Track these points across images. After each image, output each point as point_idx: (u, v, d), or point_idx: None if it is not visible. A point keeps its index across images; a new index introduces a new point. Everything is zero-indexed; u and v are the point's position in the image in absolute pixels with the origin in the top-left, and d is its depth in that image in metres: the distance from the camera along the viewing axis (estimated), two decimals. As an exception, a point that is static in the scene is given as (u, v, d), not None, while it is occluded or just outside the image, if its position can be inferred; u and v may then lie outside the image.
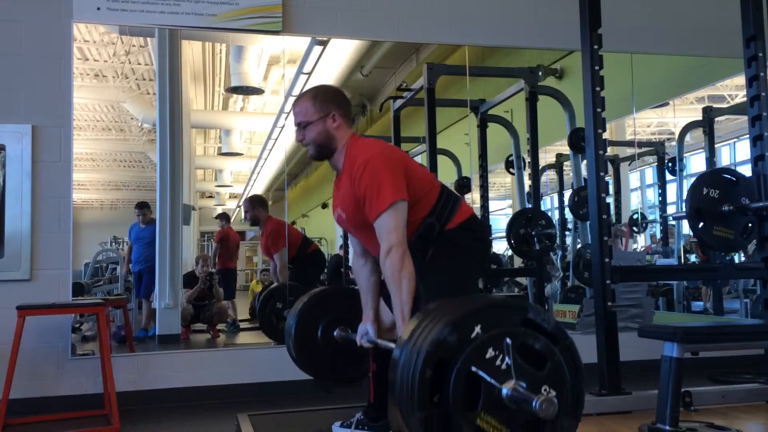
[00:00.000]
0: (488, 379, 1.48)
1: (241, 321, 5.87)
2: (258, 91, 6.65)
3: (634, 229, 5.84)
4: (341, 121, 2.30)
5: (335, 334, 2.72)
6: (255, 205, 5.13)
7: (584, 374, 1.60)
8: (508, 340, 1.50)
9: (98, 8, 3.56)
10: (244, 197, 9.19)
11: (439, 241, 2.29)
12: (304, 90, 2.39)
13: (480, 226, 2.52)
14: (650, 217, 6.81)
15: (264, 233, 5.02)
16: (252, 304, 6.03)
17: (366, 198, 2.16)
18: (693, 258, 5.95)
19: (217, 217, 6.59)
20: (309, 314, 2.78)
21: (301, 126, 2.31)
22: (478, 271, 2.40)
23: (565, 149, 5.61)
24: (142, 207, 5.17)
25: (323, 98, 2.31)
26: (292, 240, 4.84)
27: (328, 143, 2.30)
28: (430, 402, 1.49)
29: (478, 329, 1.52)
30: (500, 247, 6.08)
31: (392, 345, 1.98)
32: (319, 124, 2.28)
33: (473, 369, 1.48)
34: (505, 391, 1.47)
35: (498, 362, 1.50)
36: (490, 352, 1.50)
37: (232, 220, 9.52)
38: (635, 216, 6.06)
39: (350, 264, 2.58)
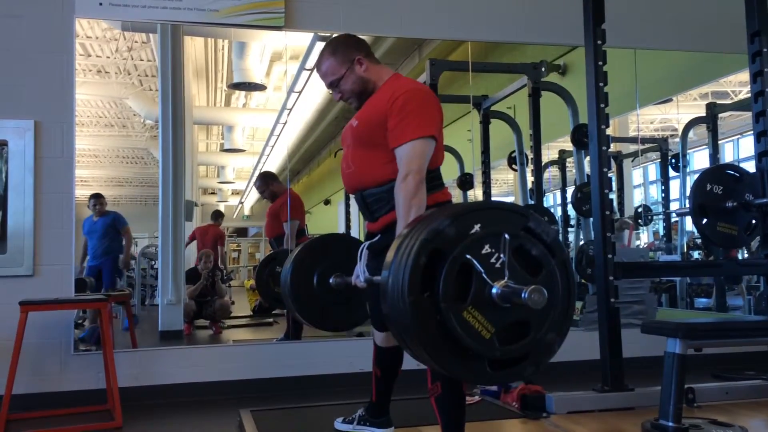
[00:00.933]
0: (481, 271, 1.48)
1: (242, 317, 5.88)
2: (260, 88, 6.64)
3: (639, 222, 5.81)
4: (367, 61, 2.29)
5: (331, 281, 2.69)
6: (268, 181, 5.10)
7: (576, 291, 1.61)
8: (507, 236, 1.51)
9: (100, 4, 3.55)
10: (246, 193, 9.20)
11: None
12: (320, 51, 2.35)
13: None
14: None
15: (279, 200, 4.94)
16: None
17: (403, 119, 2.11)
18: (696, 254, 5.94)
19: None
20: (305, 261, 2.75)
21: (334, 84, 2.31)
22: None
23: (568, 145, 5.60)
24: (97, 198, 5.05)
25: (342, 48, 2.30)
26: (299, 216, 4.79)
27: (366, 87, 2.29)
28: (421, 292, 1.48)
29: (477, 227, 1.53)
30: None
31: None
32: (350, 75, 2.28)
33: (468, 257, 1.48)
34: (495, 288, 1.48)
35: (493, 260, 1.51)
36: (487, 248, 1.51)
37: (234, 216, 9.55)
38: (639, 209, 6.03)
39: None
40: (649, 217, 6.03)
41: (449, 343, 1.49)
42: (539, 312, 1.52)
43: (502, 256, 1.50)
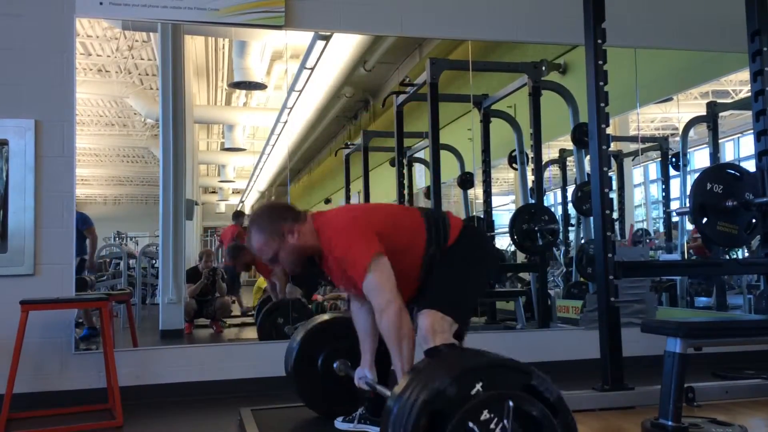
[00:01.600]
0: None
1: (245, 316, 5.88)
2: (261, 87, 6.65)
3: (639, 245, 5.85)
4: (295, 226, 2.27)
5: (335, 366, 2.75)
6: (237, 255, 5.22)
7: None
8: (511, 403, 1.48)
9: (101, 3, 3.55)
10: (247, 192, 9.20)
11: (444, 255, 2.30)
12: (247, 232, 2.35)
13: (474, 231, 2.52)
14: (653, 214, 6.81)
15: (258, 262, 5.00)
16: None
17: (348, 269, 2.19)
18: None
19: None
20: (311, 342, 2.82)
21: (273, 261, 2.30)
22: (484, 271, 2.42)
23: (569, 144, 5.60)
24: None
25: (268, 224, 2.28)
26: None
27: (304, 251, 2.29)
28: None
29: (479, 387, 1.51)
30: (503, 242, 6.07)
31: (389, 393, 1.96)
32: (285, 247, 2.26)
33: (470, 425, 1.45)
34: None
35: (493, 425, 1.47)
36: (487, 414, 1.47)
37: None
38: (638, 233, 6.06)
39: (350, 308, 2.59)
40: (647, 241, 6.05)
41: None
42: None
43: (505, 422, 1.48)
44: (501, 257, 6.07)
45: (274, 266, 2.33)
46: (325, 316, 3.05)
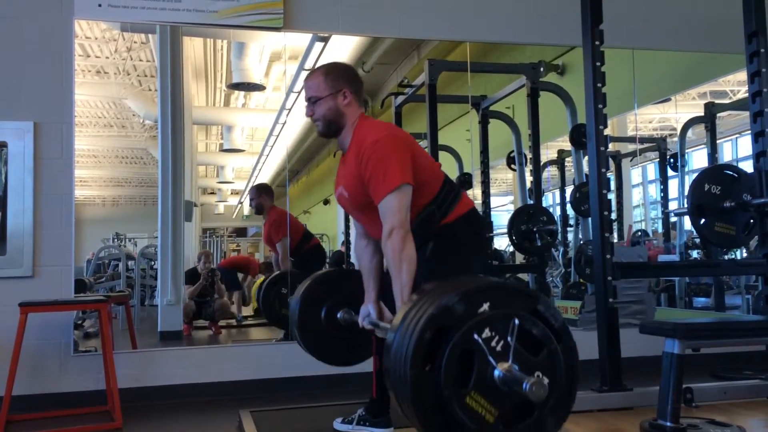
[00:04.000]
0: (486, 353, 1.48)
1: (243, 317, 5.87)
2: (259, 88, 6.64)
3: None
4: (352, 98, 2.31)
5: (338, 316, 2.72)
6: (261, 193, 5.15)
7: (579, 380, 1.59)
8: (517, 321, 1.50)
9: (99, 5, 3.56)
10: (245, 193, 9.19)
11: (440, 236, 2.29)
12: (317, 66, 2.38)
13: (479, 220, 2.52)
14: (651, 214, 6.81)
15: (267, 222, 5.02)
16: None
17: (372, 179, 2.16)
18: (695, 254, 5.95)
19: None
20: (312, 296, 2.78)
21: (312, 101, 2.32)
22: (479, 266, 2.41)
23: (567, 145, 5.60)
24: None
25: (335, 75, 2.32)
26: (292, 231, 4.83)
27: (337, 120, 2.30)
28: (423, 366, 1.48)
29: (486, 306, 1.53)
30: (502, 243, 6.07)
31: None
32: (330, 100, 2.29)
33: (475, 337, 1.48)
34: (497, 371, 1.48)
35: (494, 343, 1.50)
36: (489, 332, 1.50)
37: (234, 216, 9.54)
38: (638, 233, 6.07)
39: (353, 247, 2.57)
40: (645, 242, 6.06)
41: (446, 421, 1.49)
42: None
43: (509, 338, 1.49)
44: (500, 258, 6.08)
45: (308, 108, 2.33)
46: (323, 271, 3.03)
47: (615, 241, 5.23)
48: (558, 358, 1.55)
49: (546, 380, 1.49)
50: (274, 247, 5.01)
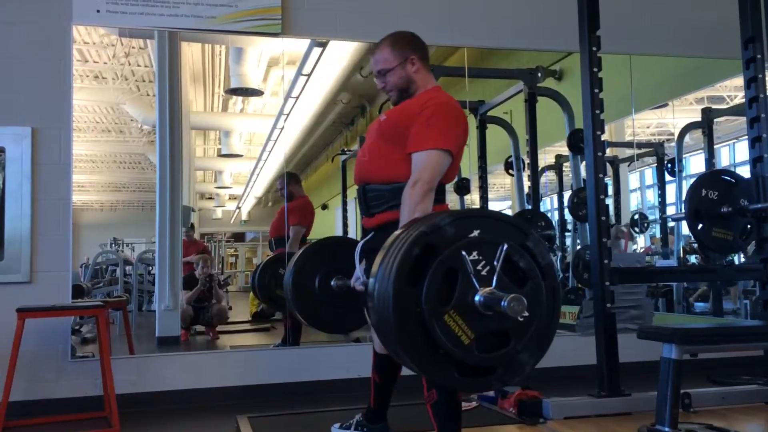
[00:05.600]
0: (470, 273, 1.49)
1: (241, 323, 5.88)
2: (257, 93, 6.66)
3: (635, 229, 5.83)
4: (420, 64, 2.31)
5: (333, 283, 2.72)
6: (291, 180, 5.10)
7: (558, 322, 1.61)
8: (505, 247, 1.52)
9: (98, 11, 3.56)
10: (244, 198, 9.19)
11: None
12: (382, 38, 2.38)
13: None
14: (651, 218, 6.81)
15: (291, 204, 4.94)
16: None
17: (426, 128, 2.14)
18: (693, 259, 5.95)
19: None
20: (306, 264, 2.79)
21: (382, 73, 2.33)
22: None
23: (565, 150, 5.60)
24: None
25: (401, 43, 2.33)
26: (307, 223, 4.80)
27: (408, 87, 2.31)
28: (408, 284, 1.49)
29: (476, 232, 1.55)
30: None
31: None
32: (399, 69, 2.30)
33: (462, 254, 1.49)
34: (479, 295, 1.49)
35: (480, 267, 1.52)
36: (477, 255, 1.51)
37: (231, 221, 9.54)
38: (635, 216, 6.05)
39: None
40: (646, 225, 6.04)
41: (427, 342, 1.50)
42: (519, 324, 1.53)
43: (495, 264, 1.51)
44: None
45: (379, 80, 2.33)
46: (317, 240, 3.04)
47: (613, 224, 5.22)
48: (541, 293, 1.56)
49: (525, 299, 1.49)
50: (284, 227, 4.88)
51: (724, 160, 6.54)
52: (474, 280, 1.49)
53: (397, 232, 1.65)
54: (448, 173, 2.22)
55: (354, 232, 5.82)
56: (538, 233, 4.67)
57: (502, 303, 1.45)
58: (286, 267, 2.92)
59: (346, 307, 2.75)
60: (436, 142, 2.12)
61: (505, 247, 1.52)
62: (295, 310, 2.80)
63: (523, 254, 1.56)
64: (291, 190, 4.99)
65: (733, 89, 6.02)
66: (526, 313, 1.50)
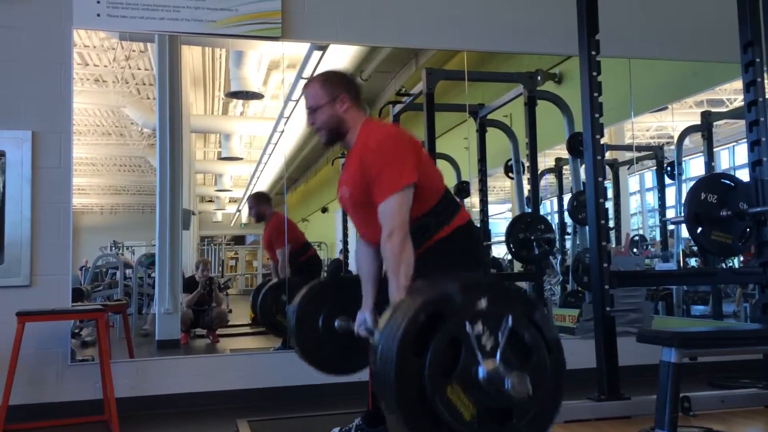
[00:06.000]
0: (474, 346, 1.46)
1: (241, 326, 5.87)
2: (258, 96, 6.66)
3: (634, 251, 5.85)
4: (350, 104, 2.29)
5: (336, 324, 2.70)
6: (259, 201, 5.15)
7: (562, 396, 1.57)
8: (510, 321, 1.49)
9: (98, 15, 3.57)
10: (243, 201, 9.19)
11: (437, 246, 2.27)
12: (311, 79, 2.38)
13: (476, 230, 2.52)
14: (649, 222, 6.82)
15: (268, 227, 5.01)
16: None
17: (375, 178, 2.14)
18: (692, 262, 5.96)
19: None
20: (310, 304, 2.76)
21: (312, 110, 2.32)
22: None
23: (564, 153, 5.62)
24: None
25: (332, 82, 2.32)
26: (294, 238, 4.82)
27: (338, 127, 2.30)
28: (412, 352, 1.46)
29: (484, 301, 1.52)
30: (500, 251, 6.08)
31: None
32: (328, 107, 2.28)
33: (466, 326, 1.46)
34: (482, 368, 1.46)
35: (485, 339, 1.49)
36: (481, 327, 1.49)
37: (232, 224, 9.54)
38: (636, 238, 6.08)
39: (352, 254, 2.56)
40: (645, 246, 6.07)
41: (426, 412, 1.47)
42: (523, 401, 1.49)
43: (499, 337, 1.48)
44: (498, 266, 6.09)
45: (309, 117, 2.33)
46: (320, 279, 3.03)
47: (613, 246, 5.25)
48: (546, 368, 1.53)
49: (529, 381, 1.47)
50: (274, 254, 4.99)
51: (723, 163, 6.54)
52: (478, 353, 1.47)
53: (404, 297, 1.62)
54: (430, 186, 2.22)
55: (353, 235, 5.83)
56: (538, 236, 4.68)
57: (506, 383, 1.43)
58: (292, 300, 2.92)
59: (348, 349, 2.73)
60: (392, 186, 2.10)
61: (511, 320, 1.49)
62: (297, 348, 2.81)
63: (529, 327, 1.53)
64: (261, 211, 5.04)
65: (732, 92, 6.02)
66: (530, 391, 1.47)
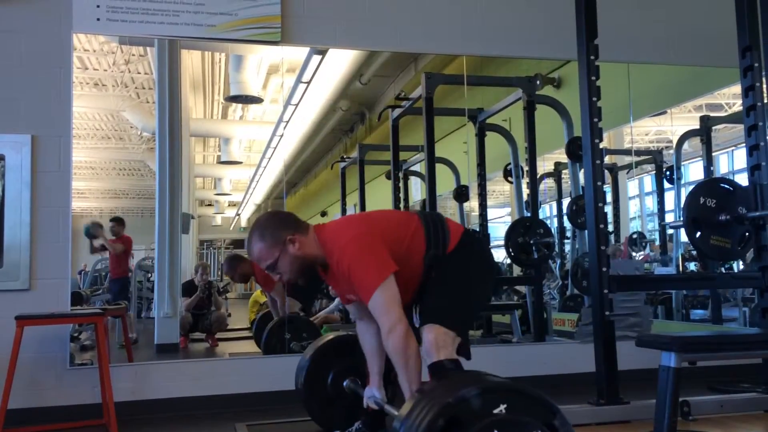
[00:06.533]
0: None
1: (240, 330, 5.87)
2: (257, 100, 6.67)
3: (633, 248, 5.85)
4: (297, 236, 2.25)
5: (345, 384, 2.75)
6: (234, 264, 5.19)
7: None
8: (528, 428, 1.47)
9: (98, 19, 3.57)
10: (243, 205, 9.20)
11: (445, 262, 2.31)
12: (249, 236, 2.30)
13: (475, 238, 2.53)
14: (649, 226, 6.82)
15: (258, 277, 5.00)
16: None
17: (355, 285, 2.18)
18: (692, 266, 5.96)
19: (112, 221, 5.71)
20: (322, 360, 2.82)
21: (271, 267, 2.27)
22: (486, 283, 2.45)
23: (564, 157, 5.62)
24: None
25: (270, 232, 2.25)
26: None
27: (303, 263, 2.27)
28: None
29: (503, 407, 1.51)
30: (499, 255, 6.08)
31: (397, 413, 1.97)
32: (284, 255, 2.24)
33: None
34: None
35: None
36: None
37: (231, 228, 9.54)
38: (634, 236, 6.07)
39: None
40: (644, 244, 6.06)
41: None
42: None
43: None
44: (498, 269, 6.09)
45: (274, 274, 2.30)
46: (335, 334, 3.06)
47: (612, 243, 5.24)
48: None
49: None
50: (271, 289, 4.96)
51: (722, 167, 6.55)
52: None
53: (421, 395, 1.62)
54: (413, 243, 2.26)
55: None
56: (537, 240, 4.69)
57: None
58: (303, 356, 2.94)
59: (353, 409, 2.74)
60: (372, 284, 2.12)
61: (529, 428, 1.48)
62: (305, 405, 2.84)
63: None
64: (241, 272, 5.05)
65: (731, 97, 6.03)
66: None
